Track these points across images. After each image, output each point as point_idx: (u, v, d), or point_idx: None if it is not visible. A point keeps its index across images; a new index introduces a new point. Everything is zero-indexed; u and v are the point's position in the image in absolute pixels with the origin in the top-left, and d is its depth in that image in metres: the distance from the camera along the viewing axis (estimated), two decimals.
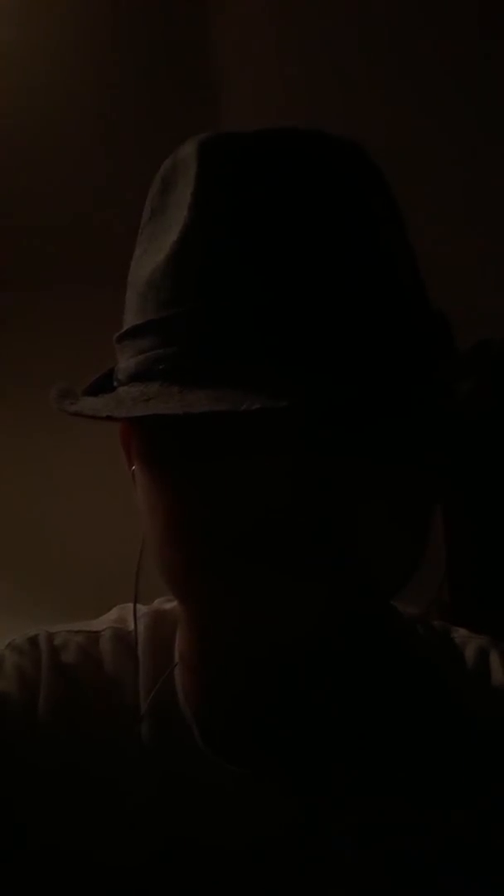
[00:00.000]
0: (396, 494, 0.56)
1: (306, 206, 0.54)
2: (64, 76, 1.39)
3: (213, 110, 1.41)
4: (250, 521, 0.53)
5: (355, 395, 0.51)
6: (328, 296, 0.53)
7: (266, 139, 0.56)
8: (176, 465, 0.56)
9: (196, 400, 0.51)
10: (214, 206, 0.54)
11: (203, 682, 0.64)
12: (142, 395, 0.54)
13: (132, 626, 0.68)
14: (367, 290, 0.54)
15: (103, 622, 0.70)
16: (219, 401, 0.50)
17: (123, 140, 1.39)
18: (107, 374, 0.62)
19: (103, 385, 0.61)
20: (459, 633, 0.71)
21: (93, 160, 1.39)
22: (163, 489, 0.57)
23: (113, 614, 0.71)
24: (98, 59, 1.40)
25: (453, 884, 0.60)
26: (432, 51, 1.37)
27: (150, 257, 0.57)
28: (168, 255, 0.55)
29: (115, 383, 0.59)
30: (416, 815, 0.61)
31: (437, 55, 1.38)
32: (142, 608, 0.70)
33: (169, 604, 0.70)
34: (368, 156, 0.59)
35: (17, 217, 1.37)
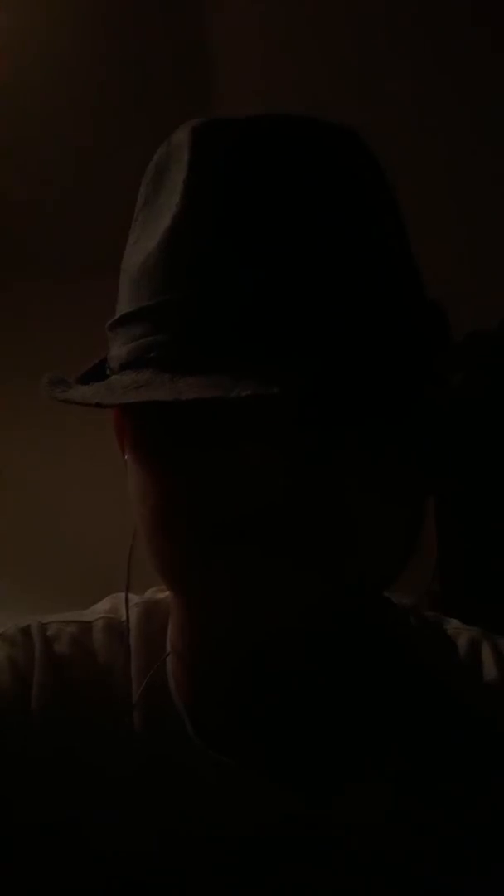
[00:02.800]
0: (389, 482, 0.56)
1: (299, 193, 0.54)
2: (57, 68, 1.38)
3: (207, 96, 1.41)
4: (242, 510, 0.53)
5: (347, 382, 0.51)
6: (320, 283, 0.53)
7: (259, 125, 0.55)
8: (167, 453, 0.56)
9: (186, 387, 0.51)
10: (206, 193, 0.54)
11: (194, 672, 0.64)
12: (133, 383, 0.54)
13: (125, 617, 0.68)
14: (360, 278, 0.54)
15: (96, 612, 0.70)
16: (209, 387, 0.50)
17: (117, 128, 1.38)
18: (100, 363, 0.62)
19: (96, 374, 0.61)
20: (451, 625, 0.71)
21: (86, 150, 1.38)
22: (154, 477, 0.57)
23: (105, 604, 0.71)
24: (92, 46, 1.39)
25: (448, 872, 0.61)
26: (428, 40, 1.37)
27: (142, 244, 0.57)
28: (160, 242, 0.55)
29: (108, 371, 0.59)
30: (407, 806, 0.62)
31: (432, 44, 1.37)
32: (134, 598, 0.70)
33: (161, 594, 0.70)
34: (364, 142, 0.59)
35: (10, 206, 1.36)
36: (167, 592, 0.68)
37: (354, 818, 0.61)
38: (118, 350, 0.57)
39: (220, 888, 0.60)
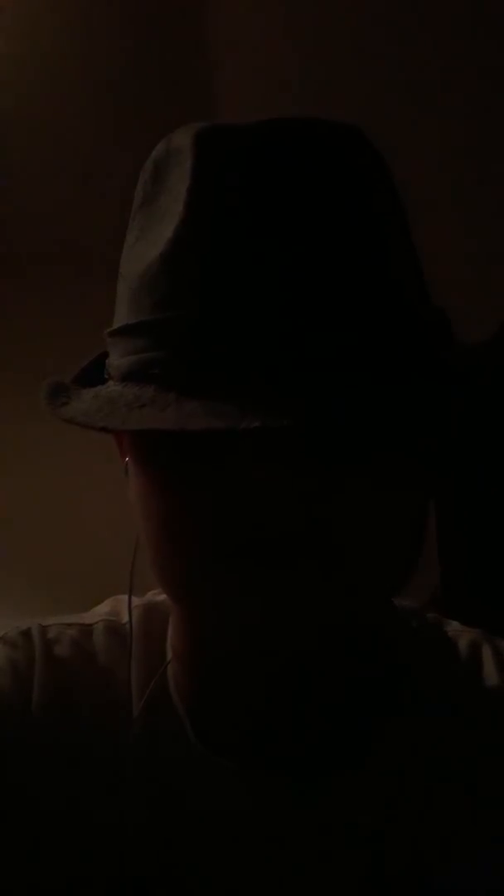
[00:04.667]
0: (393, 498, 0.56)
1: (304, 205, 0.53)
2: (55, 65, 1.38)
3: (207, 97, 1.41)
4: (248, 527, 0.53)
5: (355, 412, 0.50)
6: (327, 303, 0.52)
7: (262, 132, 0.54)
8: (170, 469, 0.55)
9: (193, 411, 0.50)
10: (209, 205, 0.53)
11: (195, 676, 0.64)
12: (136, 400, 0.53)
13: (125, 619, 0.68)
14: (368, 298, 0.53)
15: (96, 615, 0.70)
16: (217, 416, 0.49)
17: (114, 127, 1.38)
18: (98, 359, 0.61)
19: (95, 373, 0.60)
20: (452, 627, 0.71)
21: (82, 147, 1.38)
22: (158, 493, 0.56)
23: (106, 606, 0.71)
24: (90, 46, 1.39)
25: (447, 872, 0.61)
26: (428, 42, 1.37)
27: (142, 250, 0.56)
28: (161, 252, 0.54)
29: (106, 375, 0.59)
30: (407, 808, 0.62)
31: (432, 48, 1.37)
32: (134, 600, 0.70)
33: (161, 596, 0.70)
34: (369, 142, 0.58)
35: (7, 206, 1.36)
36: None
37: (355, 820, 0.61)
38: (118, 360, 0.57)
39: (221, 890, 0.60)
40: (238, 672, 0.61)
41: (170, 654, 0.65)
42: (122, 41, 1.40)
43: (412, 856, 0.61)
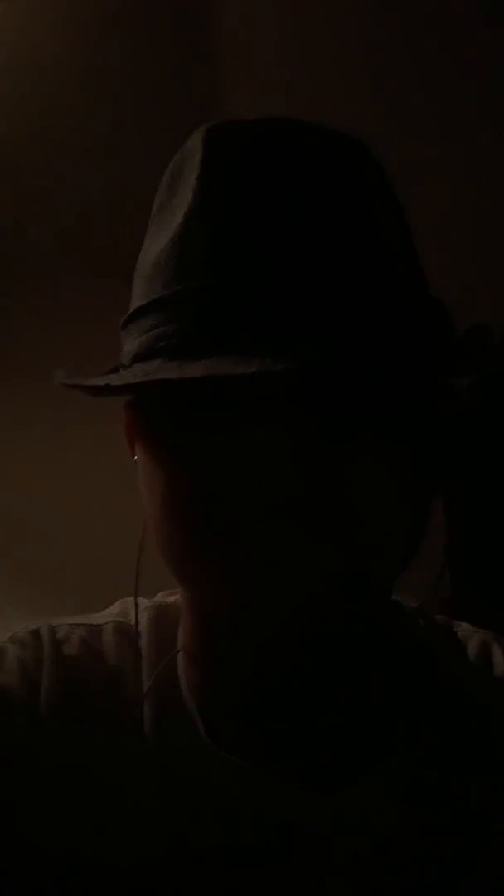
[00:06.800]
0: (395, 466, 0.56)
1: (308, 190, 0.55)
2: (67, 68, 1.39)
3: (218, 107, 1.41)
4: (248, 493, 0.53)
5: (350, 366, 0.52)
6: (328, 275, 0.54)
7: (270, 126, 0.57)
8: (175, 440, 0.56)
9: (194, 368, 0.51)
10: (218, 190, 0.55)
11: (206, 673, 0.64)
12: (142, 372, 0.55)
13: (134, 620, 0.68)
14: (366, 270, 0.55)
15: (105, 616, 0.70)
16: (215, 368, 0.51)
17: (129, 134, 1.39)
18: (112, 370, 0.62)
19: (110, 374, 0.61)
20: (462, 627, 0.72)
21: (97, 151, 1.39)
22: (163, 464, 0.57)
23: (115, 608, 0.71)
24: (101, 52, 1.40)
25: (457, 871, 0.61)
26: (435, 43, 1.38)
27: (155, 243, 0.58)
28: (172, 237, 0.56)
29: (121, 370, 0.60)
30: (418, 804, 0.62)
31: (440, 48, 1.38)
32: (144, 602, 0.70)
33: (171, 598, 0.70)
34: (370, 150, 0.60)
35: (22, 210, 1.37)
36: (177, 595, 0.69)
37: (366, 817, 0.61)
38: (130, 345, 0.58)
39: (229, 887, 0.60)
40: (245, 666, 0.61)
41: (179, 648, 0.66)
42: (132, 51, 1.41)
43: (424, 853, 0.61)
